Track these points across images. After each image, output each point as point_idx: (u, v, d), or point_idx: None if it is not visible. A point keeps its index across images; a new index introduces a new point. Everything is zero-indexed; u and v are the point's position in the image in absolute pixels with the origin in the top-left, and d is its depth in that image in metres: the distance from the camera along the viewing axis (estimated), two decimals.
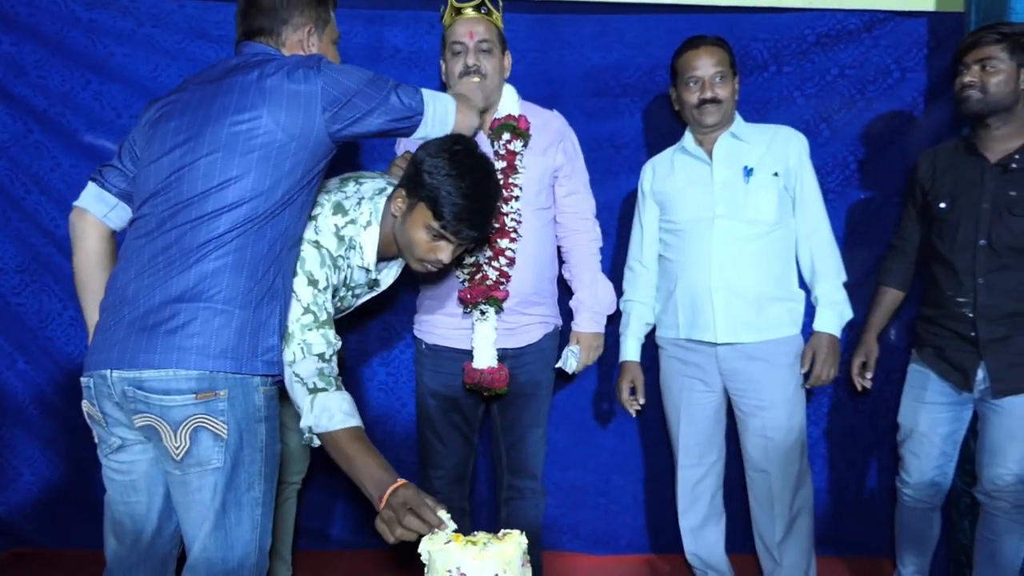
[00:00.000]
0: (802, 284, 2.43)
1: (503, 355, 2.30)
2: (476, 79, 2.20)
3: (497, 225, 2.24)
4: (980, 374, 2.24)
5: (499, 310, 2.26)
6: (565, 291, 2.48)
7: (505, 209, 2.25)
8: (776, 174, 2.35)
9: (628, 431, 2.86)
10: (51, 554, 2.81)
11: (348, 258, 1.88)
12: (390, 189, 1.93)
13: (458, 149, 1.82)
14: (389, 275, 2.05)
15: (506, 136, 2.28)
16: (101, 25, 2.69)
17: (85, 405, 1.67)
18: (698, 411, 2.46)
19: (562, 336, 2.46)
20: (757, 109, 2.73)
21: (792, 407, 2.37)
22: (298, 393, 1.71)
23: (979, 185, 2.23)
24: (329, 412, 1.67)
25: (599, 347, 2.40)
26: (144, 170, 1.68)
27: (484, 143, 2.30)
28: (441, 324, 2.34)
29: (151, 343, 1.55)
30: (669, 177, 2.46)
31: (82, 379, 1.66)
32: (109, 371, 1.57)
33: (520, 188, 2.27)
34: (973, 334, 2.23)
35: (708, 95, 2.34)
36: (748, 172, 2.35)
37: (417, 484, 2.39)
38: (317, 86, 1.62)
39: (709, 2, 2.74)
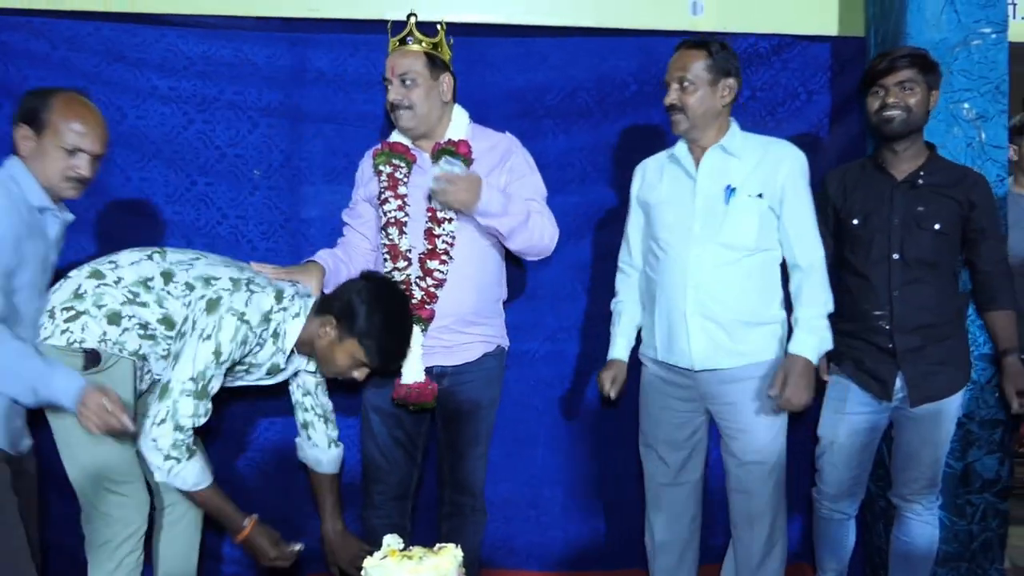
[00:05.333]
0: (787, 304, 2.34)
1: (441, 372, 2.32)
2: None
3: (429, 246, 2.27)
4: (898, 383, 2.31)
5: (424, 328, 2.28)
6: (511, 313, 2.54)
7: (437, 231, 2.27)
8: (760, 195, 2.22)
9: (557, 443, 2.89)
10: None
11: (263, 340, 2.10)
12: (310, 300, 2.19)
13: (392, 303, 2.14)
14: (291, 368, 2.24)
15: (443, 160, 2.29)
16: (13, 47, 2.62)
17: None
18: (678, 429, 2.37)
19: (509, 355, 2.51)
20: None
21: (775, 430, 2.29)
22: (152, 455, 2.00)
23: (888, 202, 2.32)
24: (184, 479, 2.02)
25: (459, 186, 2.18)
26: None
27: (428, 167, 2.33)
28: None
29: None
30: (656, 186, 2.36)
31: None
32: None
33: (455, 211, 2.28)
34: (890, 345, 2.30)
35: (668, 101, 2.25)
36: (730, 192, 2.23)
37: (360, 500, 2.42)
38: None
39: (628, 25, 2.83)
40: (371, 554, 1.37)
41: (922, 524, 2.40)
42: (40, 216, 1.98)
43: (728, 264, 2.22)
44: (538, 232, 2.32)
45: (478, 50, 2.80)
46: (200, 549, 2.34)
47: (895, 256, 2.30)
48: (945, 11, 2.58)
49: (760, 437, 2.27)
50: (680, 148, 2.33)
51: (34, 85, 2.59)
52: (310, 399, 2.35)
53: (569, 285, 2.83)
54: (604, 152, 2.82)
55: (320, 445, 2.38)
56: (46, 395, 1.85)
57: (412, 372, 2.27)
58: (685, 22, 2.84)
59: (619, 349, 2.46)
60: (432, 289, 2.27)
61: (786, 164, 2.25)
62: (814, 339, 2.21)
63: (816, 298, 2.23)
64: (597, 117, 2.82)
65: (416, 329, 2.27)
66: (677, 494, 2.42)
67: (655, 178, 2.37)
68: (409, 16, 2.29)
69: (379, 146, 2.40)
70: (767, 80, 2.85)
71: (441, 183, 2.17)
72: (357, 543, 2.37)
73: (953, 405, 2.35)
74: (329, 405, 2.40)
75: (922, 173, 2.32)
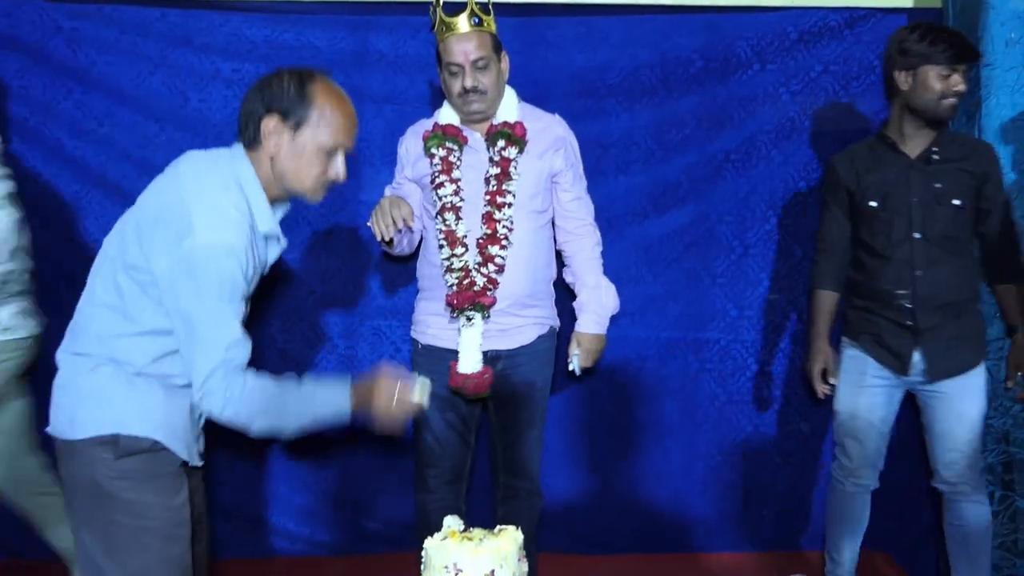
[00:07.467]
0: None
1: (496, 356, 2.30)
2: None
3: (488, 231, 2.24)
4: (916, 358, 2.31)
5: (486, 316, 2.26)
6: (568, 293, 2.50)
7: (497, 216, 2.25)
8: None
9: (618, 430, 2.86)
10: (42, 566, 2.76)
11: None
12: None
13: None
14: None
15: (501, 143, 2.26)
16: (83, 34, 2.68)
17: None
18: None
19: (561, 336, 2.47)
20: (743, 105, 2.75)
21: None
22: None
23: (906, 182, 2.30)
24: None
25: (599, 349, 2.42)
26: None
27: (480, 148, 2.30)
28: (434, 324, 2.35)
29: None
30: None
31: None
32: None
33: (514, 195, 2.26)
34: (911, 323, 2.30)
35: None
36: None
37: (413, 484, 2.42)
38: None
39: (691, 2, 2.75)
40: None
41: (972, 504, 2.35)
42: (263, 244, 1.70)
43: None
44: (610, 298, 2.45)
45: (538, 30, 2.76)
46: None
47: (916, 235, 2.29)
48: None
49: None
50: None
51: (101, 70, 2.67)
52: None
53: (633, 268, 2.79)
54: (669, 130, 2.76)
55: None
56: (323, 416, 1.72)
57: (470, 362, 2.26)
58: None
59: None
60: (494, 275, 2.25)
61: None
62: None
63: None
64: (661, 95, 2.76)
65: (477, 316, 2.25)
66: None
67: None
68: None
69: (429, 127, 2.36)
70: (840, 54, 2.74)
71: (587, 360, 2.41)
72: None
73: (980, 379, 2.34)
74: None
75: (935, 149, 2.30)
